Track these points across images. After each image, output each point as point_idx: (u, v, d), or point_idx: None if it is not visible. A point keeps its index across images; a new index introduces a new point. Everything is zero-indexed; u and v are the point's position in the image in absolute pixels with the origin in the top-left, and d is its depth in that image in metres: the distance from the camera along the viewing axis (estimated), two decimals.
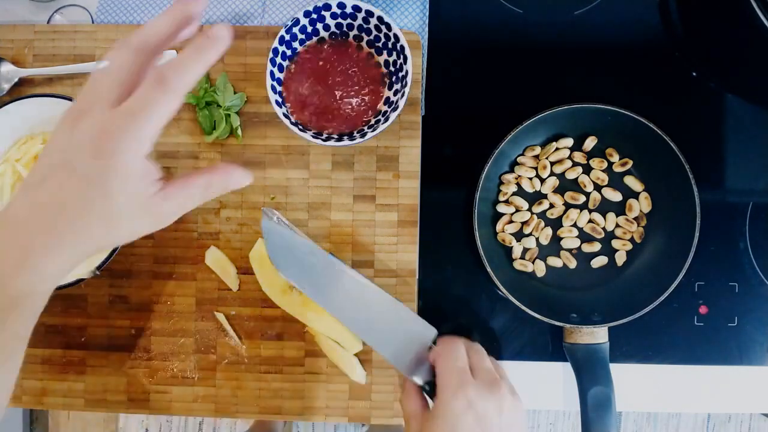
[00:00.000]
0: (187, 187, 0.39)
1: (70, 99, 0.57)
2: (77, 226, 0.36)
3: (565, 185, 0.64)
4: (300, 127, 0.59)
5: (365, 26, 0.60)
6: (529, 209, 0.64)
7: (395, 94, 0.60)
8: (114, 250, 0.57)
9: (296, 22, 0.59)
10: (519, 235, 0.64)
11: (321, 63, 0.60)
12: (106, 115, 0.35)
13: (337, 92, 0.60)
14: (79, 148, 0.35)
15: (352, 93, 0.60)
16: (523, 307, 0.59)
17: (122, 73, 0.36)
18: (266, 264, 0.62)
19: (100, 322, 0.64)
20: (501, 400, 0.49)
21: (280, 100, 0.59)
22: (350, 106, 0.60)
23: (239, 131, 0.64)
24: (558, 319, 0.60)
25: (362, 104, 0.60)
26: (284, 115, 0.58)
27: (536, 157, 0.64)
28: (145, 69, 0.37)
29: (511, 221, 0.64)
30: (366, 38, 0.61)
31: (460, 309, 0.65)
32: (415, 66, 0.60)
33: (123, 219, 0.37)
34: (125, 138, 0.35)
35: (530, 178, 0.64)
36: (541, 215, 0.64)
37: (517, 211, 0.64)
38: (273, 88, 0.59)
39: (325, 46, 0.61)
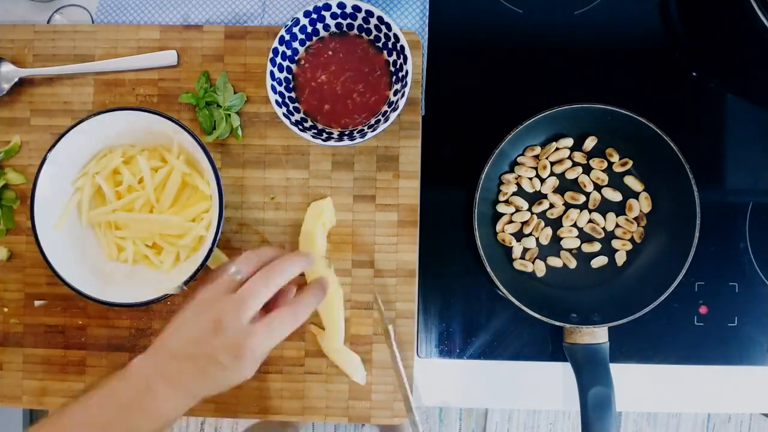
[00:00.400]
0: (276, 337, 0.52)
1: (150, 111, 0.57)
2: (202, 389, 0.50)
3: (565, 185, 0.64)
4: (300, 127, 0.59)
5: (365, 26, 0.60)
6: (529, 209, 0.64)
7: (395, 94, 0.60)
8: (198, 269, 0.57)
9: (296, 22, 0.59)
10: (519, 235, 0.64)
11: (341, 55, 0.61)
12: (245, 328, 0.50)
13: (352, 84, 0.61)
14: (223, 349, 0.49)
15: (363, 85, 0.61)
16: (523, 307, 0.59)
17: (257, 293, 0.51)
18: (318, 222, 0.62)
19: (100, 322, 0.64)
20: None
21: (280, 100, 0.59)
22: (365, 95, 0.61)
23: (239, 131, 0.64)
24: (558, 319, 0.60)
25: (375, 93, 0.61)
26: (284, 115, 0.58)
27: (536, 157, 0.64)
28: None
29: (511, 221, 0.64)
30: (366, 38, 0.61)
31: (460, 309, 0.65)
32: (415, 66, 0.60)
33: (236, 382, 0.51)
34: (256, 348, 0.50)
35: (530, 178, 0.64)
36: (541, 215, 0.64)
37: (517, 211, 0.64)
38: (273, 88, 0.59)
39: (338, 40, 0.61)
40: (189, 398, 0.50)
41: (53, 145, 0.57)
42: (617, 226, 0.64)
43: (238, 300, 0.50)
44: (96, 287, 0.58)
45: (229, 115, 0.64)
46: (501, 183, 0.64)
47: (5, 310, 0.65)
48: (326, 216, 0.63)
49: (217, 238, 0.57)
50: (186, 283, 0.57)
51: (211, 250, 0.57)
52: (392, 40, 0.59)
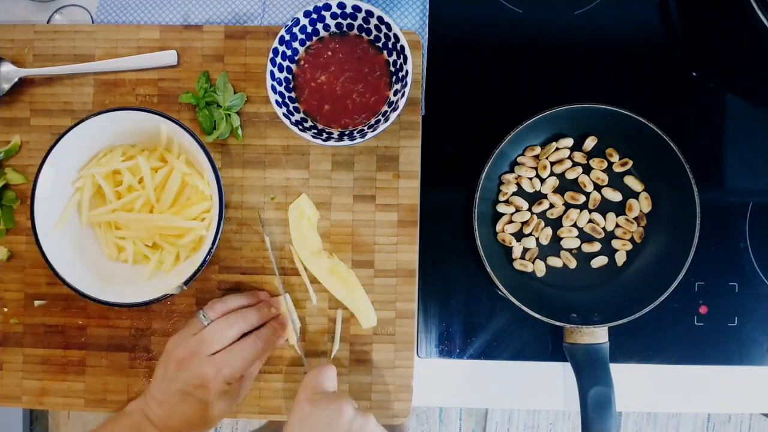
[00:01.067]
0: (248, 379, 0.60)
1: (150, 111, 0.57)
2: (187, 425, 0.56)
3: (565, 185, 0.64)
4: (300, 127, 0.59)
5: (365, 26, 0.60)
6: (529, 209, 0.64)
7: (395, 94, 0.60)
8: (199, 268, 0.57)
9: (296, 22, 0.59)
10: (519, 235, 0.64)
11: (340, 55, 0.61)
12: (206, 359, 0.55)
13: (351, 84, 0.61)
14: (188, 381, 0.55)
15: (363, 85, 0.61)
16: (523, 307, 0.59)
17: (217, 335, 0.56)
18: (302, 219, 0.62)
19: (100, 322, 0.64)
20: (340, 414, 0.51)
21: (280, 100, 0.59)
22: (365, 95, 0.61)
23: (239, 131, 0.64)
24: (558, 319, 0.60)
25: (375, 93, 0.61)
26: (284, 115, 0.58)
27: (536, 157, 0.64)
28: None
29: (511, 221, 0.64)
30: (366, 38, 0.61)
31: (460, 309, 0.65)
32: (415, 66, 0.60)
33: (216, 418, 0.57)
34: (218, 373, 0.55)
35: (530, 178, 0.64)
36: (541, 215, 0.64)
37: (517, 211, 0.64)
38: (273, 88, 0.59)
39: (338, 40, 0.61)
40: None
41: (53, 145, 0.57)
42: (617, 226, 0.64)
43: (198, 339, 0.56)
44: (96, 287, 0.58)
45: (229, 115, 0.64)
46: (501, 183, 0.64)
47: (5, 310, 0.65)
48: (308, 211, 0.63)
49: (218, 238, 0.57)
50: (186, 283, 0.57)
51: (211, 250, 0.57)
52: (392, 40, 0.59)
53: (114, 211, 0.60)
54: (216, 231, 0.57)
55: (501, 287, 0.59)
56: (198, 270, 0.57)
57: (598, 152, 0.64)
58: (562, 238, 0.64)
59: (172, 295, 0.57)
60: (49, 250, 0.58)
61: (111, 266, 0.61)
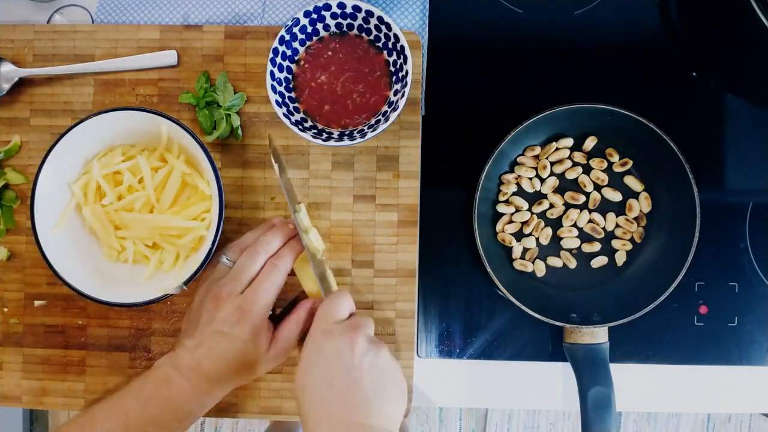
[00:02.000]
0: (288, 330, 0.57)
1: (151, 111, 0.57)
2: (219, 373, 0.54)
3: (565, 185, 0.64)
4: (300, 127, 0.59)
5: (365, 26, 0.60)
6: (529, 209, 0.64)
7: (395, 94, 0.60)
8: (199, 268, 0.57)
9: (296, 22, 0.59)
10: (519, 235, 0.64)
11: (341, 55, 0.61)
12: (239, 297, 0.55)
13: (351, 84, 0.61)
14: (224, 319, 0.54)
15: (363, 85, 0.61)
16: (523, 307, 0.59)
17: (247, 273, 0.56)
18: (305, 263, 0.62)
19: (100, 322, 0.64)
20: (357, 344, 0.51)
21: (280, 100, 0.59)
22: (366, 95, 0.61)
23: (239, 131, 0.64)
24: (558, 319, 0.60)
25: (375, 93, 0.61)
26: (284, 115, 0.58)
27: (536, 157, 0.64)
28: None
29: (511, 221, 0.64)
30: (366, 38, 0.61)
31: (460, 309, 0.65)
32: (415, 66, 0.60)
33: (260, 365, 0.56)
34: (251, 308, 0.54)
35: (530, 178, 0.64)
36: (541, 215, 0.64)
37: (517, 211, 0.64)
38: (273, 88, 0.59)
39: (338, 40, 0.61)
40: (207, 386, 0.54)
41: (53, 145, 0.57)
42: (617, 226, 0.64)
43: (229, 277, 0.55)
44: (96, 287, 0.58)
45: (229, 115, 0.64)
46: (501, 183, 0.64)
47: (5, 310, 0.65)
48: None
49: (218, 238, 0.57)
50: (186, 283, 0.57)
51: (211, 250, 0.57)
52: (392, 40, 0.59)
53: (114, 212, 0.60)
54: (216, 231, 0.57)
55: (501, 287, 0.59)
56: (198, 270, 0.57)
57: (598, 152, 0.64)
58: (562, 238, 0.64)
59: (172, 295, 0.57)
60: (49, 250, 0.58)
61: (111, 266, 0.61)
